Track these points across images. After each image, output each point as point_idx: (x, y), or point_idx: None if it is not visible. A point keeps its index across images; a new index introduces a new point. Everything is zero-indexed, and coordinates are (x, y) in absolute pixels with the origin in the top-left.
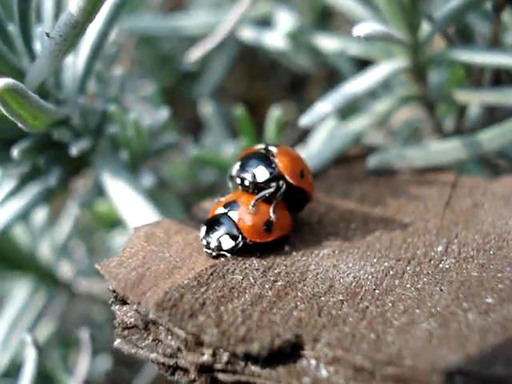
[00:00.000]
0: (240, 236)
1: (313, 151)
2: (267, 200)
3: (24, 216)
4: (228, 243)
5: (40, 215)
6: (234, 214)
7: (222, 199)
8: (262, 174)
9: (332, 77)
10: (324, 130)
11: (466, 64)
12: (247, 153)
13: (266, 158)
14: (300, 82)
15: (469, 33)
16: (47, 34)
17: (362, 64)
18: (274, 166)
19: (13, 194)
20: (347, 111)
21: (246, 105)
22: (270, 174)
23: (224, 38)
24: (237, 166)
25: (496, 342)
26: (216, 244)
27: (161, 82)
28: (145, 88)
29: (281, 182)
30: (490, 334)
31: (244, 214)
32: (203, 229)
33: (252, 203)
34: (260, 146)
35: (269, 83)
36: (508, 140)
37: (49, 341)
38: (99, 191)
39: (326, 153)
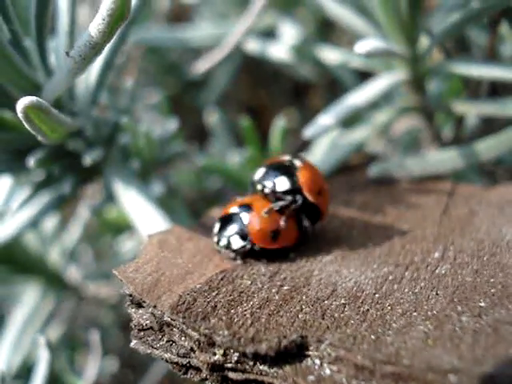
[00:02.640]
0: (249, 238)
1: (316, 160)
2: (280, 210)
3: (36, 223)
4: (237, 243)
5: (50, 221)
6: (245, 216)
7: (239, 199)
8: (282, 184)
9: (333, 85)
10: (327, 139)
11: (464, 76)
12: (273, 161)
13: (288, 170)
14: (302, 89)
15: (466, 45)
16: (67, 53)
17: (363, 74)
18: (295, 179)
19: (26, 201)
20: (349, 121)
21: (249, 112)
22: (290, 185)
23: (230, 51)
24: (260, 172)
25: (487, 342)
26: (225, 243)
27: (166, 90)
28: (152, 97)
29: (298, 196)
30: (482, 335)
31: (255, 218)
32: (217, 225)
33: (266, 209)
34: (286, 158)
35: (272, 91)
36: (504, 150)
37: (57, 343)
38: (109, 198)
39: (329, 162)
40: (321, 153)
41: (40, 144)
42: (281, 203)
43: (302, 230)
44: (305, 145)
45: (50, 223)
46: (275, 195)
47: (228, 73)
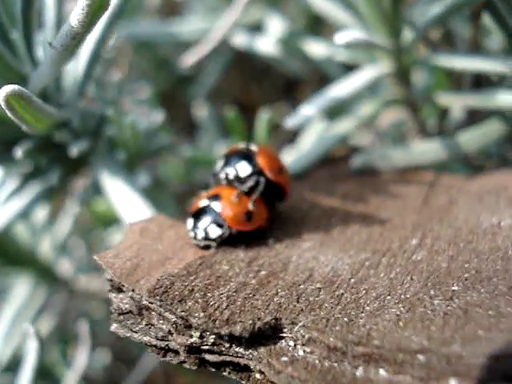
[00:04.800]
0: (225, 224)
1: (301, 152)
2: (246, 193)
3: (25, 214)
4: (215, 232)
5: (40, 213)
6: (216, 205)
7: (204, 193)
8: (244, 169)
9: (324, 80)
10: (313, 131)
11: (447, 69)
12: (230, 151)
13: (247, 156)
14: (294, 84)
15: (452, 38)
16: (49, 44)
17: (352, 68)
18: (254, 163)
19: (15, 193)
20: (336, 113)
21: (240, 107)
22: (252, 169)
23: (216, 45)
24: (221, 163)
25: (457, 324)
26: (203, 234)
27: (158, 85)
28: (142, 91)
29: (261, 178)
30: (452, 317)
31: (226, 205)
32: (190, 221)
33: (235, 194)
34: (242, 146)
35: (263, 86)
36: (486, 141)
37: (48, 336)
38: (97, 190)
39: (314, 154)
40: (306, 145)
41: (28, 135)
42: (246, 187)
43: (271, 208)
44: (294, 139)
45: (41, 215)
46: (239, 180)
47: (218, 68)
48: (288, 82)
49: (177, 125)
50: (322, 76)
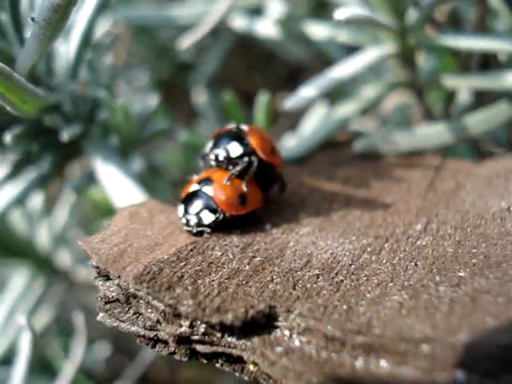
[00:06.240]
0: (219, 209)
1: (303, 136)
2: (239, 175)
3: (19, 202)
4: (208, 217)
5: (37, 202)
6: (208, 190)
7: (195, 177)
8: (235, 149)
9: (329, 66)
10: (314, 115)
11: (454, 49)
12: (220, 132)
13: (238, 136)
14: (297, 71)
15: (457, 18)
16: (32, 19)
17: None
18: (246, 142)
19: (7, 180)
20: (340, 97)
21: (243, 95)
22: (243, 149)
23: (214, 27)
24: (210, 144)
25: (464, 311)
26: (196, 220)
27: (158, 72)
28: (141, 78)
29: (252, 158)
30: (458, 304)
31: (218, 189)
32: (181, 207)
33: (227, 177)
34: (232, 126)
35: (266, 73)
36: (494, 124)
37: (47, 328)
38: (93, 177)
39: (315, 138)
40: (308, 129)
41: (18, 120)
42: (238, 168)
43: (266, 190)
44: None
45: (38, 205)
46: (231, 162)
47: (219, 54)
48: (291, 70)
49: (178, 112)
50: (326, 62)
